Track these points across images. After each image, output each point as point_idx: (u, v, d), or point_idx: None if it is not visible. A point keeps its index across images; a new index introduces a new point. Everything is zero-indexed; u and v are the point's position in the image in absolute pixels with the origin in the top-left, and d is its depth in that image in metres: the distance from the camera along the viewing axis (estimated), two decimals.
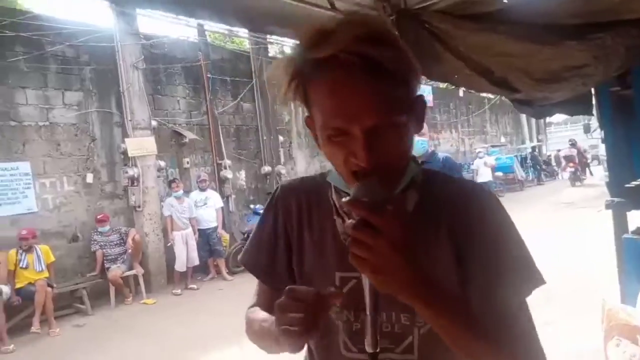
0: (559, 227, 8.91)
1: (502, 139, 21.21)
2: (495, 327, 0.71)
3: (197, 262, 7.38)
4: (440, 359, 0.79)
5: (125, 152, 7.21)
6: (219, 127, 8.78)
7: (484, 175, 13.94)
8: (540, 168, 20.06)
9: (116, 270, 6.66)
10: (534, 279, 0.77)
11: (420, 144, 3.58)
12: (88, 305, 6.36)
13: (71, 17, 6.78)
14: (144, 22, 7.86)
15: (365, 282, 0.67)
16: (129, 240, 6.85)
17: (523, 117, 22.64)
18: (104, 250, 6.76)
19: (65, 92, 6.88)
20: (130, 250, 6.83)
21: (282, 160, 10.04)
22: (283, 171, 9.91)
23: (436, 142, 16.36)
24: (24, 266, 5.81)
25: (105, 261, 6.75)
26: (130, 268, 6.86)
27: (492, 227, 0.77)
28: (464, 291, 0.76)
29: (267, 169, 9.56)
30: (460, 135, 18.00)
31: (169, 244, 7.34)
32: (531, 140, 22.68)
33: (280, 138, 10.12)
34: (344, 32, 0.64)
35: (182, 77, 8.42)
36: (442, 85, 20.62)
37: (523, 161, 18.81)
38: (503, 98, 21.70)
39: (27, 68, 6.47)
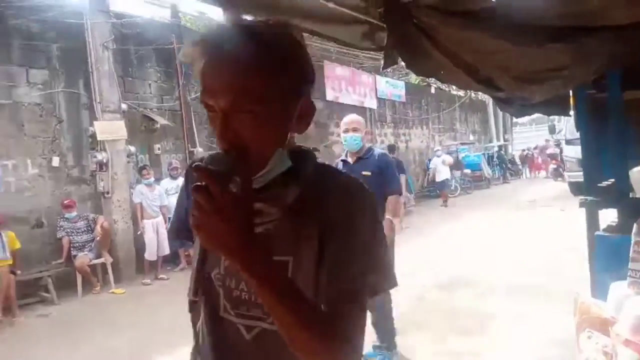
0: (526, 223, 9.21)
1: (471, 137, 21.72)
2: (317, 310, 0.78)
3: (167, 251, 7.26)
4: None
5: (93, 136, 6.98)
6: (192, 113, 8.61)
7: (442, 173, 14.11)
8: (506, 166, 20.69)
9: (83, 258, 6.48)
10: (385, 277, 0.84)
11: (353, 139, 3.45)
12: (54, 294, 6.17)
13: None
14: (115, 0, 7.57)
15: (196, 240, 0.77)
16: (97, 228, 6.66)
17: (491, 116, 23.24)
18: (71, 237, 6.56)
19: (29, 70, 6.57)
20: (98, 238, 6.65)
21: None
22: None
23: (407, 137, 16.59)
24: None
25: (72, 248, 6.56)
26: (99, 256, 6.68)
27: (356, 221, 0.82)
28: (317, 273, 0.81)
29: None
30: (431, 132, 18.30)
31: (139, 232, 7.18)
32: (498, 139, 23.32)
33: None
34: (223, 31, 0.78)
35: (153, 59, 8.18)
36: (415, 81, 20.90)
37: (490, 159, 19.34)
38: (472, 96, 22.20)
39: None
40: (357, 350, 0.82)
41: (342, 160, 3.66)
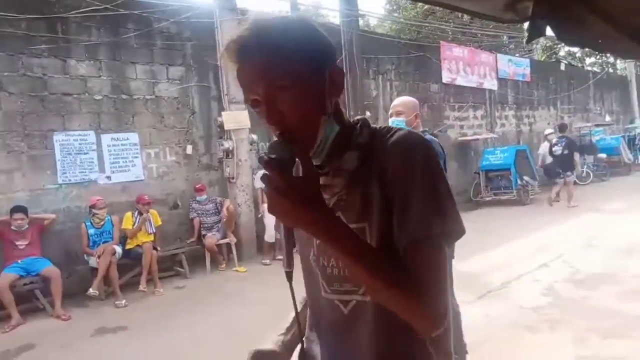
0: None
1: (607, 118, 19.27)
2: (398, 263, 0.81)
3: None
4: None
5: (221, 125, 7.50)
6: None
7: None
8: None
9: (212, 238, 7.03)
10: (450, 226, 0.84)
11: (396, 124, 3.15)
12: (187, 269, 6.81)
13: None
14: None
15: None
16: (224, 210, 7.17)
17: (634, 93, 20.39)
18: (201, 219, 7.15)
19: (169, 67, 7.27)
20: (224, 220, 7.16)
21: None
22: None
23: (531, 119, 15.25)
24: (143, 231, 6.35)
25: (202, 229, 7.14)
26: (224, 236, 7.20)
27: (413, 170, 0.84)
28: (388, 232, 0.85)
29: None
30: (560, 113, 16.60)
31: (260, 216, 7.58)
32: None
33: (367, 113, 9.96)
34: (245, 32, 0.85)
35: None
36: (541, 57, 19.09)
37: (631, 142, 16.97)
38: (610, 71, 19.63)
39: (136, 44, 6.91)
40: (443, 292, 0.83)
41: None
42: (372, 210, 0.87)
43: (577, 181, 13.08)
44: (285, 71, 0.82)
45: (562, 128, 11.04)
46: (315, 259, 0.97)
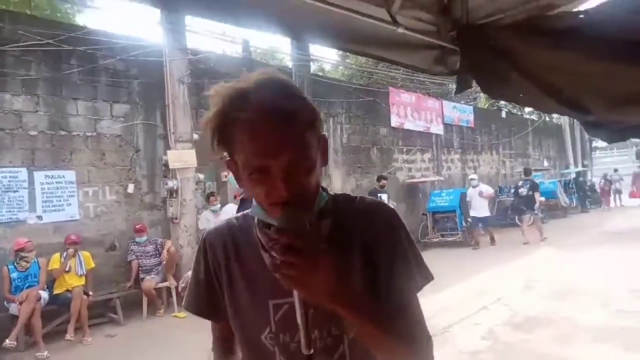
0: (612, 258, 8.33)
1: (545, 163, 20.49)
2: (397, 315, 0.86)
3: None
4: (368, 358, 0.92)
5: (166, 164, 7.31)
6: None
7: (478, 208, 11.01)
8: (584, 194, 19.19)
9: (150, 281, 6.69)
10: (425, 274, 0.95)
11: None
12: (120, 316, 6.40)
13: (123, 32, 7.01)
14: (191, 38, 7.97)
15: (296, 300, 0.81)
16: (164, 252, 6.88)
17: (568, 141, 21.87)
18: (140, 261, 6.82)
19: (113, 105, 7.08)
20: (164, 262, 6.86)
21: None
22: None
23: (476, 163, 15.94)
24: (66, 270, 5.92)
25: (140, 271, 6.81)
26: (164, 280, 6.88)
27: (393, 236, 0.92)
28: (374, 290, 0.90)
29: None
30: (502, 158, 17.49)
31: None
32: (576, 165, 21.82)
33: None
34: (260, 91, 0.81)
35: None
36: (484, 105, 20.23)
37: (567, 186, 18.04)
38: (547, 120, 21.04)
39: (79, 81, 6.70)
40: (428, 339, 0.92)
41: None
42: (347, 271, 0.89)
43: (542, 217, 13.66)
44: (308, 142, 0.82)
45: (527, 172, 12.31)
46: (272, 336, 0.93)
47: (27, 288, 5.57)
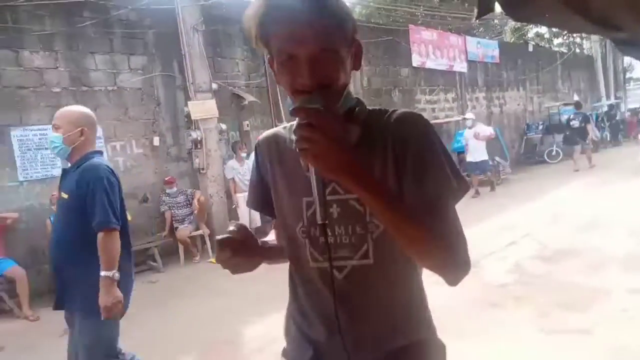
0: None
1: (575, 97, 19.68)
2: (425, 211, 0.88)
3: (259, 223, 7.52)
4: (392, 260, 0.98)
5: (188, 115, 7.35)
6: (278, 89, 8.71)
7: (475, 151, 9.92)
8: (617, 128, 18.51)
9: (184, 230, 6.94)
10: (461, 184, 0.94)
11: (51, 142, 2.42)
12: (160, 263, 6.72)
13: None
14: None
15: (312, 174, 0.85)
16: (195, 202, 7.08)
17: (599, 72, 20.84)
18: (172, 211, 7.05)
19: (130, 57, 7.06)
20: (196, 211, 7.07)
21: None
22: None
23: (501, 101, 15.46)
24: None
25: (173, 221, 7.05)
26: (197, 228, 7.12)
27: (423, 141, 0.93)
28: (401, 190, 0.93)
29: None
30: (529, 94, 16.86)
31: (234, 206, 7.51)
32: (608, 97, 20.87)
33: None
34: None
35: (240, 39, 8.34)
36: (509, 39, 19.32)
37: (597, 120, 17.39)
38: (577, 51, 19.99)
39: (94, 34, 6.67)
40: (465, 241, 0.92)
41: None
42: (375, 174, 0.94)
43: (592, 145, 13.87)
44: (337, 39, 0.88)
45: (578, 105, 13.52)
46: (304, 230, 1.02)
47: None
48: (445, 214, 0.91)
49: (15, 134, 6.00)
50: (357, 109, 0.98)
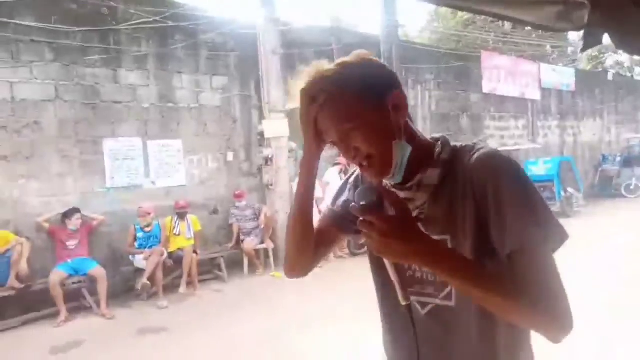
0: None
1: None
2: (513, 273, 0.84)
3: None
4: (475, 308, 0.93)
5: (261, 133, 7.65)
6: None
7: None
8: None
9: (250, 243, 7.16)
10: (554, 231, 0.86)
11: None
12: (225, 273, 6.95)
13: (220, 6, 7.35)
14: (283, 9, 8.09)
15: (386, 260, 0.89)
16: (262, 217, 7.30)
17: None
18: (240, 224, 7.30)
19: (212, 77, 7.51)
20: (262, 226, 7.28)
21: None
22: None
23: (576, 130, 14.74)
24: (177, 233, 6.56)
25: (240, 234, 7.29)
26: (262, 242, 7.32)
27: (501, 185, 0.87)
28: (483, 242, 0.89)
29: None
30: (606, 124, 15.95)
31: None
32: None
33: None
34: (313, 79, 0.96)
35: (314, 62, 8.60)
36: (587, 67, 18.47)
37: None
38: None
39: (183, 55, 7.18)
40: (560, 295, 0.84)
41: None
42: (456, 224, 0.93)
43: None
44: (350, 115, 0.92)
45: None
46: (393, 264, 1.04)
47: (149, 247, 6.25)
48: (534, 271, 0.84)
49: (107, 144, 6.53)
50: (437, 150, 0.98)
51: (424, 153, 0.98)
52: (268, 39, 7.47)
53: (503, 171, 0.89)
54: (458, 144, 1.00)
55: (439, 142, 1.00)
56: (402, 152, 0.95)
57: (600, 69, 17.28)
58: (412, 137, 0.98)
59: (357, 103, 0.92)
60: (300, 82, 0.97)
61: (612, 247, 7.55)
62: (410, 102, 10.14)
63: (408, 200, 0.95)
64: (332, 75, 0.94)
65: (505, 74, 12.24)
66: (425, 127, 10.56)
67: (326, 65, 0.97)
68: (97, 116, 6.46)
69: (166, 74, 7.04)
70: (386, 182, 1.00)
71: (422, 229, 0.89)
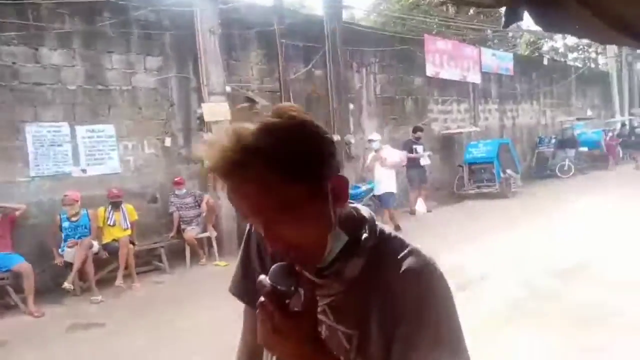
0: None
1: (589, 112, 19.52)
2: None
3: None
4: None
5: (201, 117, 7.35)
6: (290, 93, 8.70)
7: (382, 181, 8.17)
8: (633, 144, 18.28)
9: (191, 232, 6.92)
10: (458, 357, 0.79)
11: None
12: (166, 264, 6.69)
13: None
14: None
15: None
16: (203, 204, 7.06)
17: (614, 88, 20.66)
18: (180, 213, 7.03)
19: (146, 57, 7.09)
20: (204, 214, 7.05)
21: (352, 129, 9.85)
22: (352, 140, 9.74)
23: (514, 113, 15.37)
24: (111, 223, 6.20)
25: (181, 222, 7.03)
26: (204, 230, 7.10)
27: (420, 313, 0.78)
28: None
29: (336, 137, 9.35)
30: (542, 107, 16.75)
31: None
32: (622, 114, 20.68)
33: (351, 106, 9.91)
34: (229, 150, 0.71)
35: (255, 42, 8.36)
36: (524, 52, 19.24)
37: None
38: (592, 66, 19.81)
39: (112, 33, 6.71)
40: None
41: None
42: (367, 321, 0.82)
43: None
44: (279, 204, 0.73)
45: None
46: None
47: (77, 238, 5.87)
48: None
49: (30, 129, 6.03)
50: (364, 237, 0.84)
51: (351, 242, 0.84)
52: (205, 17, 7.13)
53: (424, 301, 0.79)
54: (386, 230, 0.88)
55: (366, 226, 0.86)
56: (337, 244, 0.83)
57: (537, 54, 18.03)
58: (347, 224, 0.84)
59: (290, 186, 0.73)
60: (214, 145, 0.73)
61: (549, 221, 7.94)
62: (355, 84, 10.26)
63: (322, 287, 0.83)
64: (255, 144, 0.71)
65: (448, 58, 12.49)
66: (370, 111, 10.59)
67: (246, 126, 0.73)
68: (16, 99, 5.94)
69: (94, 53, 6.57)
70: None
71: (330, 318, 0.84)
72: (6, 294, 5.42)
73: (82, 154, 6.45)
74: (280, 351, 0.74)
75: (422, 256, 0.83)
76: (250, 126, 0.73)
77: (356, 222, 0.86)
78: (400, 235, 0.88)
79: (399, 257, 0.82)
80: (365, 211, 0.89)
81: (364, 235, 0.84)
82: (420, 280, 0.80)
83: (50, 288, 5.84)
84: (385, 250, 0.84)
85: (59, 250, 5.89)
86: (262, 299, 0.72)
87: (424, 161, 10.07)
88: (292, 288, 0.73)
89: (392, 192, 8.22)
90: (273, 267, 0.76)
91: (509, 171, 11.94)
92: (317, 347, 0.74)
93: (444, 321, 0.80)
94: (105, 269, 6.18)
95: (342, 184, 0.80)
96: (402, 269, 0.81)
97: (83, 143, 6.47)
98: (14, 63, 5.90)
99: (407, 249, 0.84)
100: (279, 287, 0.73)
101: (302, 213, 0.75)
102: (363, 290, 0.82)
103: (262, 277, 0.75)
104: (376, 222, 0.88)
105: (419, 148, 10.15)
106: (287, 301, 0.73)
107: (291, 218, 0.74)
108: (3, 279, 5.35)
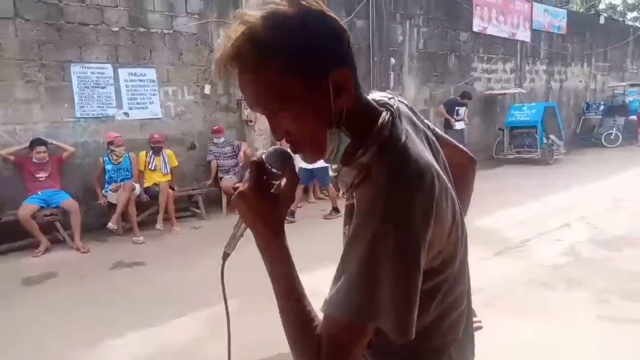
0: None
1: None
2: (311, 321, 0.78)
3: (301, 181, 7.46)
4: None
5: None
6: None
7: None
8: None
9: (228, 181, 6.97)
10: (356, 306, 0.73)
11: None
12: (203, 210, 6.83)
13: None
14: None
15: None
16: (241, 154, 7.08)
17: None
18: (218, 161, 7.08)
19: (187, 0, 6.95)
20: (241, 163, 7.09)
21: (392, 84, 9.56)
22: None
23: (562, 76, 14.56)
24: (152, 168, 6.33)
25: (219, 171, 7.10)
26: (241, 180, 7.09)
27: (359, 223, 0.74)
28: None
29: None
30: (593, 70, 15.78)
31: None
32: None
33: (392, 60, 9.57)
34: (221, 49, 0.74)
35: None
36: (579, 8, 17.96)
37: None
38: None
39: None
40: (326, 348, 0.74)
41: None
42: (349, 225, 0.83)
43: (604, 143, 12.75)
44: (277, 94, 0.74)
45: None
46: None
47: (120, 181, 6.03)
48: (329, 329, 0.74)
49: (75, 70, 6.09)
50: (360, 151, 0.79)
51: (364, 127, 0.80)
52: None
53: (369, 209, 0.73)
54: (395, 137, 0.80)
55: (370, 137, 0.80)
56: (338, 143, 0.79)
57: (593, 11, 16.82)
58: (353, 124, 0.79)
59: (288, 78, 0.73)
60: (223, 37, 0.76)
61: (588, 192, 7.65)
62: (398, 38, 9.86)
63: (338, 176, 0.86)
64: (256, 34, 0.71)
65: (497, 12, 11.80)
66: (412, 66, 10.23)
67: (252, 14, 0.72)
68: (62, 39, 5.97)
69: None
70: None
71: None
72: (55, 229, 5.67)
73: (124, 97, 6.51)
74: (241, 214, 0.82)
75: (411, 170, 0.75)
76: (259, 13, 0.72)
77: (368, 124, 0.80)
78: (411, 144, 0.80)
79: (392, 165, 0.76)
80: (384, 116, 0.81)
81: (360, 151, 0.79)
82: (378, 190, 0.74)
83: (96, 227, 6.08)
84: (380, 162, 0.77)
85: (103, 191, 6.09)
86: (249, 169, 0.80)
87: (459, 125, 9.85)
88: (280, 172, 0.80)
89: (325, 167, 7.78)
90: (270, 148, 0.82)
91: (552, 137, 11.47)
92: (273, 230, 0.80)
93: (377, 248, 0.71)
94: (145, 212, 6.36)
95: (344, 78, 0.76)
96: (384, 175, 0.75)
97: (125, 86, 6.50)
98: (59, 1, 5.89)
99: (412, 159, 0.76)
100: (267, 164, 0.80)
101: (297, 105, 0.75)
102: (356, 197, 0.81)
103: (259, 152, 0.79)
104: (390, 127, 0.80)
105: (461, 110, 9.85)
106: (271, 182, 0.80)
107: (286, 110, 0.76)
108: (52, 214, 5.58)
